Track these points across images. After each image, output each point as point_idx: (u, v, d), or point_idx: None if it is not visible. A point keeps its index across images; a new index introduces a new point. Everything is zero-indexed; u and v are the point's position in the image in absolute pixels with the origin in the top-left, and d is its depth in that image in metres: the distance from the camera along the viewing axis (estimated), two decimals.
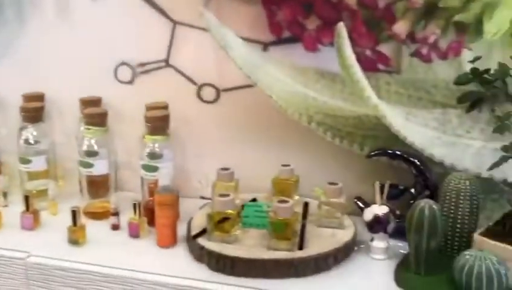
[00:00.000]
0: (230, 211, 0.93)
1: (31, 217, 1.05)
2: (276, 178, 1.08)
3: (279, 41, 1.10)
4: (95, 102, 1.17)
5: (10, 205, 1.16)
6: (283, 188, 1.07)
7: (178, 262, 0.94)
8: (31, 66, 1.25)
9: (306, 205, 1.07)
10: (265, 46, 1.11)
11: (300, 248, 0.91)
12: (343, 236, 0.96)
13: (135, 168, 1.22)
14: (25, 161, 1.12)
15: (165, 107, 1.12)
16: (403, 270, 0.91)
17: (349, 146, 1.09)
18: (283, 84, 1.10)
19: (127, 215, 1.04)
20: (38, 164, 1.13)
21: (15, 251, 0.98)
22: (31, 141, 1.13)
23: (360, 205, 1.03)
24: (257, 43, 1.11)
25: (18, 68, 1.25)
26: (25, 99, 1.19)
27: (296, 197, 1.09)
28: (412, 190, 1.02)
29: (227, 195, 0.95)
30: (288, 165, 1.08)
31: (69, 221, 1.00)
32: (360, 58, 1.04)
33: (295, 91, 1.10)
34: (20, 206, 1.08)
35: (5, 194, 1.16)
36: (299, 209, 1.04)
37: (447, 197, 0.94)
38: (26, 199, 1.04)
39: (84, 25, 1.19)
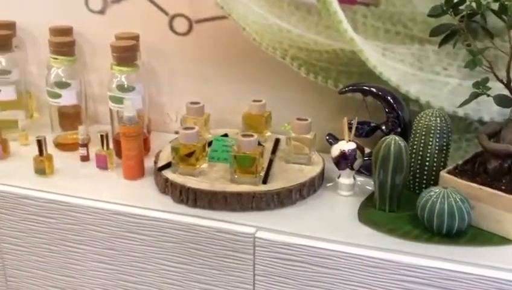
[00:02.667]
0: (194, 144, 0.92)
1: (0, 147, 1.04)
2: (247, 113, 1.06)
3: None
4: (66, 31, 1.14)
5: None
6: (254, 123, 1.06)
7: (143, 194, 0.94)
8: None
9: (277, 141, 1.06)
10: None
11: (265, 182, 0.90)
12: (310, 172, 0.95)
13: (107, 100, 1.21)
14: None
15: (136, 37, 1.09)
16: (367, 206, 0.91)
17: (324, 82, 1.06)
18: (257, 16, 1.06)
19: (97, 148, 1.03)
20: (7, 94, 1.11)
21: None
22: (0, 70, 1.10)
23: (332, 142, 1.02)
24: None
25: None
26: None
27: (268, 134, 1.08)
28: (383, 127, 1.00)
29: (192, 128, 0.93)
30: (260, 101, 1.06)
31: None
32: None
33: (269, 24, 1.06)
34: None
35: None
36: (270, 145, 1.04)
37: (417, 134, 0.92)
38: None
39: None
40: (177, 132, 1.18)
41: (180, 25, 1.12)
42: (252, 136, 0.90)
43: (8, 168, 1.02)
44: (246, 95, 1.09)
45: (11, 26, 1.17)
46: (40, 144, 0.97)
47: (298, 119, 0.97)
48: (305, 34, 1.05)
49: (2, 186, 0.96)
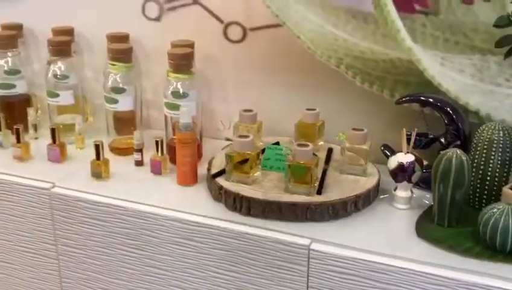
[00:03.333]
0: (249, 152, 0.92)
1: (57, 150, 1.07)
2: (300, 122, 1.06)
3: None
4: (122, 38, 1.16)
5: (40, 137, 1.18)
6: (307, 132, 1.05)
7: (197, 200, 0.95)
8: (63, 0, 1.24)
9: (330, 150, 1.05)
10: None
11: (319, 192, 0.89)
12: (366, 183, 0.93)
13: (161, 106, 1.22)
14: (53, 94, 1.14)
15: (191, 45, 1.10)
16: (425, 220, 0.88)
17: (379, 91, 1.04)
18: (312, 24, 1.05)
19: (153, 153, 1.04)
20: (65, 98, 1.14)
21: (41, 181, 1.00)
22: (59, 75, 1.13)
23: (387, 153, 1.00)
24: None
25: (50, 2, 1.25)
26: (54, 33, 1.20)
27: (321, 143, 1.07)
28: (442, 140, 0.97)
29: (247, 136, 0.93)
30: (314, 109, 1.05)
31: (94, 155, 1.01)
32: None
33: (325, 32, 1.05)
34: (49, 140, 1.10)
35: (35, 127, 1.18)
36: (323, 154, 1.02)
37: (478, 148, 0.89)
38: (53, 131, 1.06)
39: None
40: (228, 139, 1.20)
41: (235, 32, 1.12)
42: (307, 145, 0.89)
43: (66, 171, 1.05)
44: (298, 104, 1.09)
45: (70, 32, 1.21)
46: (97, 148, 0.99)
47: (354, 129, 0.95)
48: (361, 42, 1.03)
49: (59, 189, 0.99)
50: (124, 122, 1.12)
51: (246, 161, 0.92)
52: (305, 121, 1.05)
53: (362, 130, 0.95)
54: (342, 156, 0.97)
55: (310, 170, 0.88)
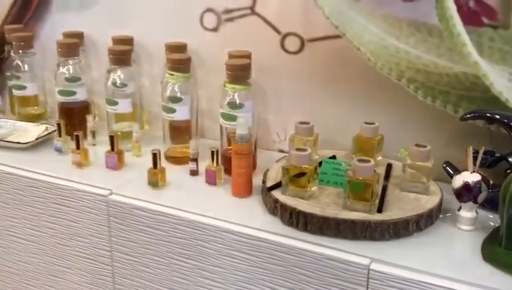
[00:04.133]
0: (306, 166, 0.90)
1: (115, 157, 1.08)
2: (358, 136, 1.03)
3: None
4: (180, 48, 1.17)
5: (98, 144, 1.21)
6: (365, 146, 1.02)
7: (251, 212, 0.94)
8: (122, 10, 1.26)
9: (389, 166, 1.02)
10: None
11: (380, 210, 0.87)
12: (428, 202, 0.90)
13: (216, 116, 1.22)
14: (111, 102, 1.16)
15: (248, 56, 1.09)
16: (491, 243, 0.84)
17: (442, 106, 1.01)
18: (373, 36, 1.03)
19: (207, 162, 1.04)
20: (124, 106, 1.16)
21: (99, 187, 1.02)
22: (118, 84, 1.15)
23: (449, 170, 0.96)
24: None
25: (110, 11, 1.27)
26: (114, 42, 1.22)
27: (379, 158, 1.04)
28: (510, 159, 0.92)
29: (305, 150, 0.91)
30: (373, 123, 1.03)
31: (151, 164, 1.02)
32: (462, 10, 0.94)
33: (386, 44, 1.02)
34: (107, 146, 1.12)
35: (93, 134, 1.20)
36: (381, 170, 0.99)
37: None
38: (111, 139, 1.08)
39: None
40: (281, 150, 1.18)
41: (292, 43, 1.11)
42: (368, 161, 0.86)
43: (122, 178, 1.06)
44: (355, 117, 1.06)
45: (129, 41, 1.23)
46: (155, 157, 1.00)
47: (417, 145, 0.92)
48: (424, 55, 1.00)
49: (117, 196, 1.00)
50: (180, 131, 1.13)
51: (302, 174, 0.91)
52: (363, 135, 1.03)
53: (425, 146, 0.92)
54: (402, 173, 0.94)
55: (371, 186, 0.85)
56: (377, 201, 0.88)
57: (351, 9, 1.04)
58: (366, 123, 1.03)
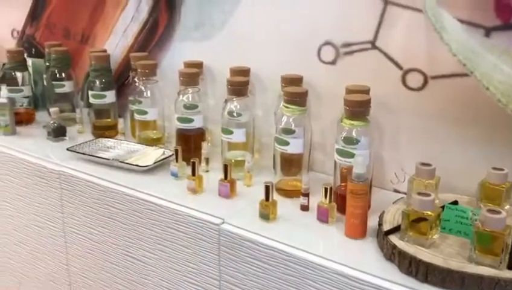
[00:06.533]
0: (428, 213, 0.85)
1: (228, 186, 1.10)
2: (484, 182, 0.96)
3: (506, 26, 0.96)
4: (296, 80, 1.17)
5: (210, 171, 1.23)
6: (492, 194, 0.95)
7: (365, 256, 0.90)
8: (240, 42, 1.29)
9: None
10: (488, 31, 0.98)
11: (510, 267, 0.79)
12: None
13: (327, 150, 1.20)
14: (227, 131, 1.18)
15: (367, 91, 1.07)
16: None
17: None
18: (505, 75, 0.96)
19: (317, 197, 1.02)
20: (238, 136, 1.18)
21: (211, 215, 1.03)
22: (234, 114, 1.17)
23: None
24: (478, 28, 0.98)
25: (230, 42, 1.31)
26: (232, 72, 1.25)
27: (507, 207, 0.96)
28: None
29: (428, 194, 0.86)
30: (502, 169, 0.95)
31: (261, 194, 1.02)
32: None
33: None
34: (219, 174, 1.14)
35: (207, 160, 1.23)
36: (511, 221, 0.91)
37: None
38: (225, 168, 1.10)
39: (292, 3, 1.19)
40: (396, 190, 1.13)
41: (414, 80, 1.07)
42: (499, 212, 0.80)
43: (234, 208, 1.07)
44: (482, 161, 1.00)
45: (246, 72, 1.25)
46: (267, 189, 1.00)
47: None
48: None
49: (228, 225, 1.01)
50: (291, 164, 1.12)
51: (422, 219, 0.86)
52: (490, 181, 0.95)
53: None
54: None
55: (501, 240, 0.78)
56: (507, 257, 0.80)
57: (480, 46, 0.98)
58: (494, 169, 0.95)
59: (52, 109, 1.45)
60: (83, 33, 1.63)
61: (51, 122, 1.45)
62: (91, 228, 1.25)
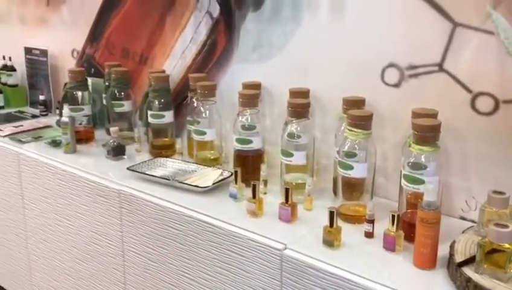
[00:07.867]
0: (506, 245, 0.81)
1: (289, 210, 1.08)
2: None
3: None
4: (359, 103, 1.15)
5: (268, 193, 1.22)
6: None
7: (436, 288, 0.86)
8: (300, 63, 1.29)
9: None
10: None
11: None
12: None
13: (390, 174, 1.17)
14: (287, 154, 1.17)
15: (434, 115, 1.03)
16: None
17: None
18: None
19: (381, 224, 0.99)
20: (298, 158, 1.16)
21: (273, 240, 1.02)
22: (294, 136, 1.16)
23: None
24: None
25: (289, 64, 1.31)
26: (291, 94, 1.24)
27: None
28: None
29: (506, 226, 0.82)
30: None
31: (322, 219, 1.00)
32: None
33: None
34: (277, 196, 1.12)
35: (265, 182, 1.22)
36: None
37: None
38: (287, 191, 1.08)
39: (355, 24, 1.18)
40: (463, 218, 1.09)
41: (485, 104, 1.03)
42: None
43: (296, 233, 1.05)
44: None
45: (306, 94, 1.24)
46: (331, 215, 0.98)
47: None
48: None
49: (291, 251, 0.99)
50: (354, 188, 1.10)
51: (497, 251, 0.81)
52: None
53: None
54: None
55: None
56: None
57: None
58: None
59: (112, 128, 1.48)
60: (142, 54, 1.66)
61: (111, 141, 1.47)
62: (149, 247, 1.26)
